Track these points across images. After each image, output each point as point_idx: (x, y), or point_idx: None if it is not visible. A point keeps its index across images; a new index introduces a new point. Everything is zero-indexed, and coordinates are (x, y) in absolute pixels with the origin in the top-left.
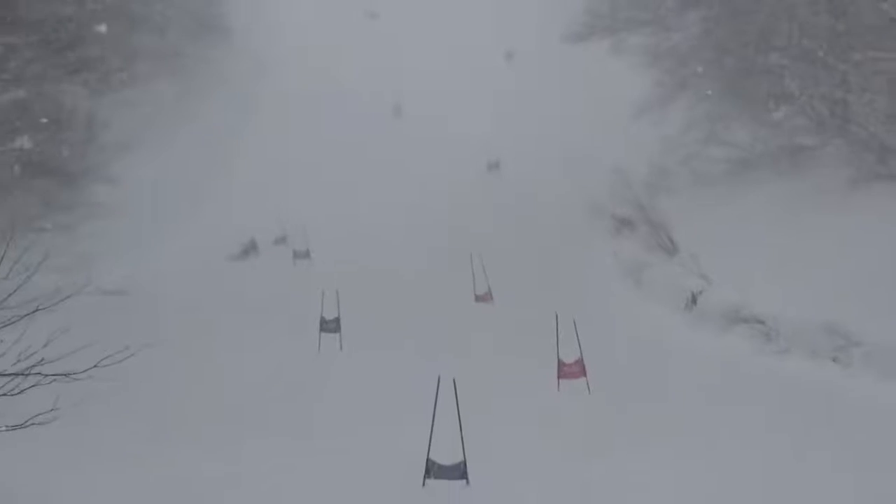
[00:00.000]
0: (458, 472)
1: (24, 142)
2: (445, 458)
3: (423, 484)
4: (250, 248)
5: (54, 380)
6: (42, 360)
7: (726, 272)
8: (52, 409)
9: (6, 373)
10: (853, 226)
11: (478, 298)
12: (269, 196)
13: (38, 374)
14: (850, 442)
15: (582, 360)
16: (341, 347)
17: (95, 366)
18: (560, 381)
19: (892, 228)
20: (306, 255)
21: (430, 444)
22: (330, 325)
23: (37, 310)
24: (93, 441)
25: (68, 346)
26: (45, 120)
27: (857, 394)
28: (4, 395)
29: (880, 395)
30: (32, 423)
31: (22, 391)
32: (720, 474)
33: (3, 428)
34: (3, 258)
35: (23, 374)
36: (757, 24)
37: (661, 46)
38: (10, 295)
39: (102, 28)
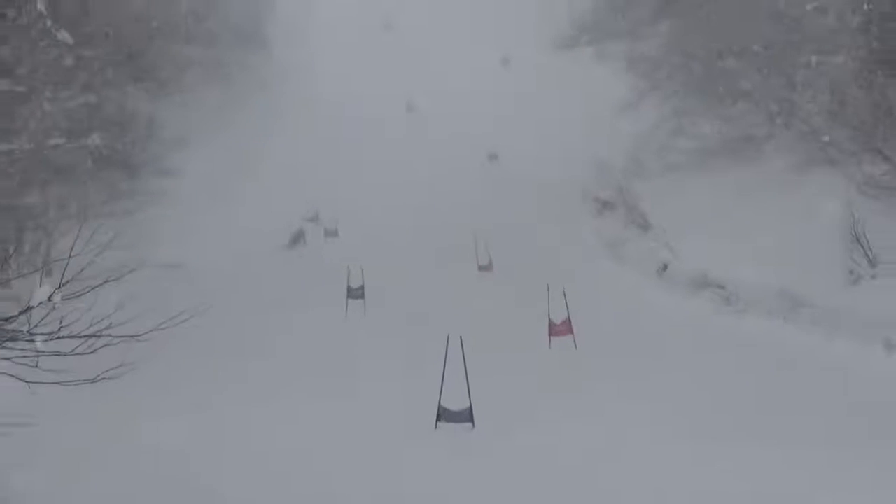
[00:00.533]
0: (465, 416)
1: (95, 139)
2: (454, 404)
3: (436, 426)
4: (299, 237)
5: (122, 341)
6: (111, 324)
7: (692, 245)
8: (119, 366)
9: (81, 335)
10: (798, 204)
11: (481, 268)
12: (300, 181)
13: (109, 335)
14: (797, 387)
15: (569, 320)
16: (365, 312)
17: (156, 328)
18: (551, 338)
19: (831, 206)
20: (335, 232)
21: (441, 393)
22: (355, 293)
23: (106, 281)
24: (158, 392)
25: (133, 311)
26: (112, 121)
27: (804, 348)
28: (79, 353)
29: (823, 349)
30: (103, 378)
31: (94, 350)
32: (687, 411)
33: (81, 381)
34: (77, 237)
35: (95, 336)
36: (718, 33)
37: (636, 53)
38: (83, 269)
39: (160, 42)
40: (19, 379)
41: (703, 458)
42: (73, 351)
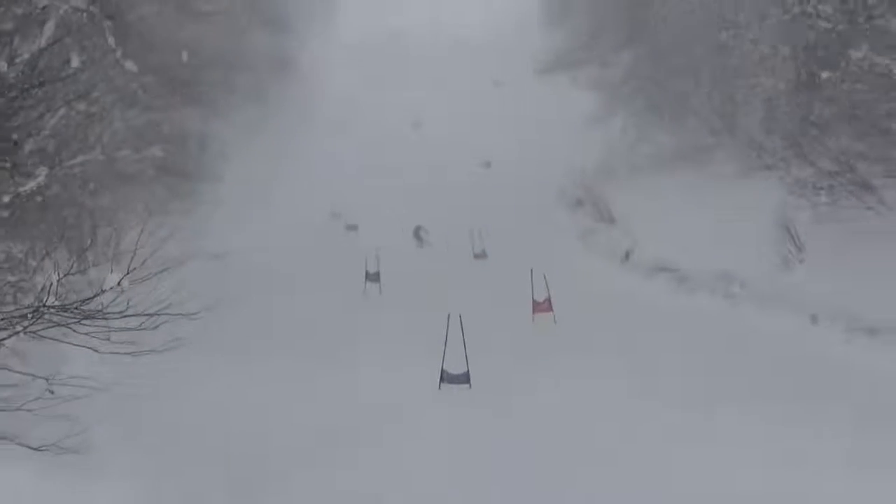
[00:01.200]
0: (464, 378)
1: (156, 151)
2: (455, 368)
3: (439, 387)
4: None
5: (178, 317)
6: (169, 304)
7: (651, 235)
8: (175, 339)
9: (144, 313)
10: (740, 201)
11: (475, 256)
12: (324, 185)
13: (167, 314)
14: (740, 353)
15: (550, 299)
16: (381, 292)
17: (206, 308)
18: (534, 314)
19: (766, 204)
20: (355, 227)
21: (443, 360)
22: (372, 276)
23: (165, 269)
24: (208, 360)
25: (187, 294)
26: (169, 137)
27: (744, 321)
28: (143, 329)
29: (760, 322)
30: (164, 350)
31: (156, 326)
32: (651, 372)
33: (146, 351)
34: (141, 233)
35: (156, 315)
36: (671, 60)
37: (603, 77)
38: (146, 259)
39: (209, 71)
40: (95, 350)
41: (663, 411)
42: (139, 326)
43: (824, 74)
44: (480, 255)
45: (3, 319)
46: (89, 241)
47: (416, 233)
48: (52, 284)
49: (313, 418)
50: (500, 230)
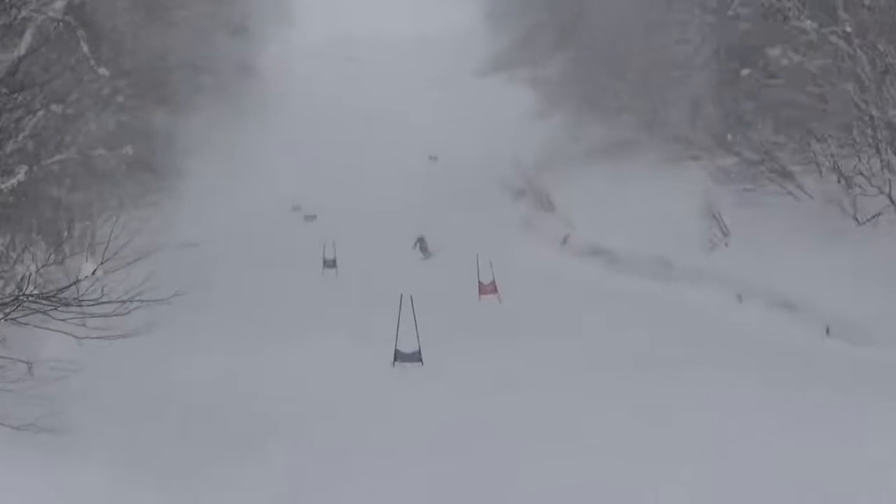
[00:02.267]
0: (416, 356)
1: (128, 150)
2: (407, 347)
3: (393, 364)
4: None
5: (149, 303)
6: (141, 291)
7: (586, 221)
8: (148, 324)
9: (118, 300)
10: (669, 189)
11: (426, 256)
12: (285, 179)
13: (139, 300)
14: (667, 325)
15: (494, 282)
16: (337, 276)
17: (175, 294)
18: (480, 296)
19: (693, 191)
20: (313, 217)
21: (396, 339)
22: (329, 263)
23: (137, 259)
24: (178, 342)
25: (158, 282)
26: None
27: (673, 299)
28: (119, 314)
29: (688, 300)
30: (136, 334)
31: (129, 312)
32: (587, 347)
33: (120, 335)
34: (115, 225)
35: (129, 301)
36: (602, 60)
37: (539, 76)
38: (119, 250)
39: (176, 74)
40: (72, 335)
41: (605, 379)
42: (113, 312)
43: (745, 72)
44: (425, 252)
45: None
46: (66, 234)
47: (421, 245)
48: (31, 274)
49: (278, 393)
50: (447, 219)
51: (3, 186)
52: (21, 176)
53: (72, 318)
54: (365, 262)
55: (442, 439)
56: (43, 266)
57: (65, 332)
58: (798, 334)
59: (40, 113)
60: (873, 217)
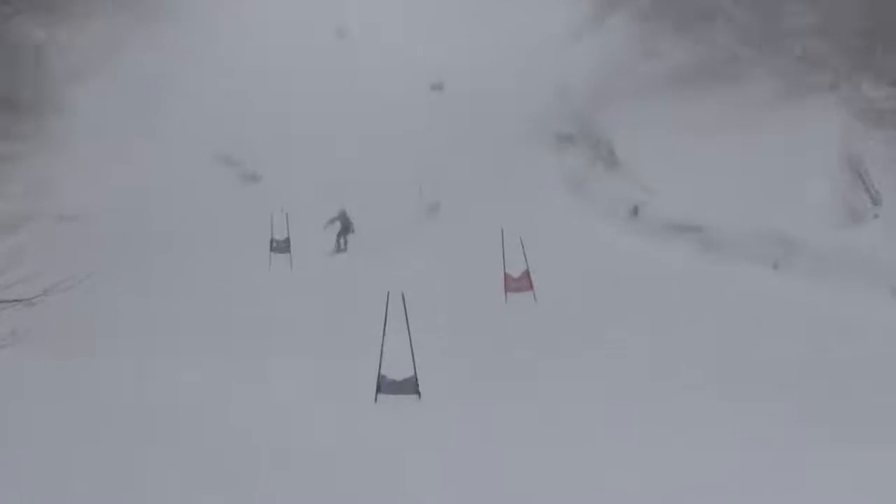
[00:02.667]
0: (409, 386)
1: None
2: (396, 373)
3: (375, 399)
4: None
5: (11, 306)
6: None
7: (668, 183)
8: (12, 332)
9: None
10: (789, 134)
11: (427, 209)
12: (218, 120)
13: None
14: (793, 345)
15: (528, 272)
16: (292, 267)
17: (49, 291)
18: (507, 293)
19: (824, 137)
20: (257, 178)
21: (381, 361)
22: (280, 246)
23: None
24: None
25: (24, 271)
26: None
27: (799, 299)
28: None
29: (821, 299)
30: None
31: None
32: (662, 380)
33: None
34: None
35: None
36: None
37: None
38: None
39: None
40: None
41: (694, 443)
42: None
43: None
44: (432, 209)
45: None
46: None
47: (340, 225)
48: None
49: (197, 449)
50: (458, 177)
51: None
52: None
53: None
54: (332, 243)
55: None
56: None
57: None
58: None
59: None
60: None
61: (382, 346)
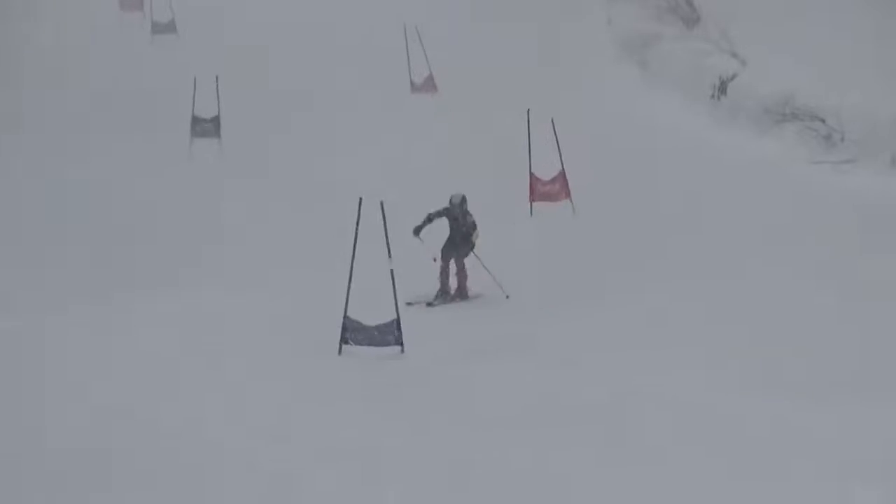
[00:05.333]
0: (389, 334)
1: None
2: (370, 316)
3: (340, 351)
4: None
5: None
6: None
7: (769, 52)
8: None
9: None
10: None
11: (415, 89)
12: None
13: None
14: None
15: (564, 175)
16: (222, 154)
17: None
18: (533, 203)
19: None
20: (169, 26)
21: (347, 299)
22: (205, 127)
23: None
24: None
25: None
26: None
27: None
28: None
29: None
30: None
31: None
32: (766, 344)
33: None
34: None
35: None
36: None
37: None
38: None
39: None
40: None
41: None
42: None
43: None
44: (424, 87)
45: None
46: None
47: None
48: None
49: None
50: (462, 36)
51: None
52: None
53: None
54: (281, 123)
55: None
56: None
57: None
58: None
59: None
60: None
61: (351, 277)
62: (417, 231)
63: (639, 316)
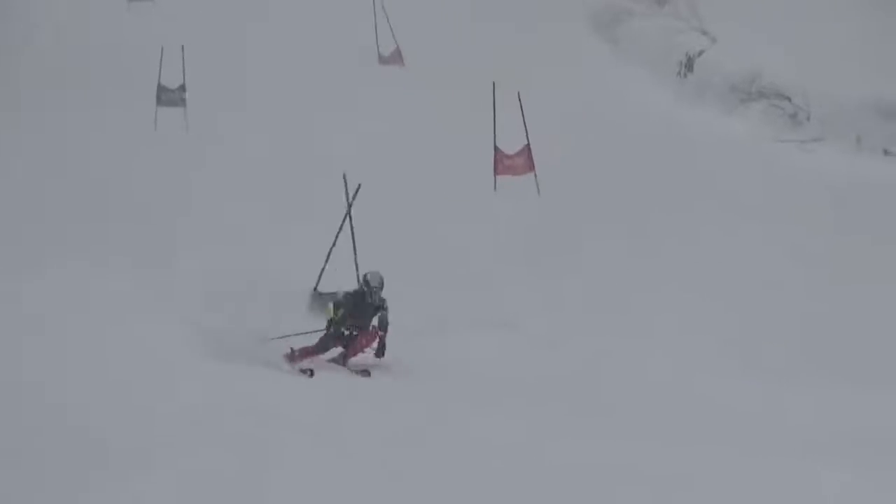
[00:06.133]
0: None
1: None
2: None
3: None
4: None
5: None
6: None
7: (737, 30)
8: None
9: None
10: None
11: (383, 60)
12: None
13: None
14: None
15: (529, 149)
16: (187, 127)
17: None
18: (497, 176)
19: None
20: None
21: (320, 277)
22: (171, 96)
23: None
24: None
25: None
26: None
27: None
28: None
29: None
30: None
31: None
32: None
33: None
34: None
35: None
36: None
37: None
38: None
39: None
40: None
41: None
42: None
43: None
44: (391, 59)
45: None
46: None
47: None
48: None
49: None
50: (428, 9)
51: None
52: None
53: None
54: (247, 95)
55: None
56: None
57: None
58: None
59: None
60: None
61: (327, 261)
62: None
63: (605, 292)
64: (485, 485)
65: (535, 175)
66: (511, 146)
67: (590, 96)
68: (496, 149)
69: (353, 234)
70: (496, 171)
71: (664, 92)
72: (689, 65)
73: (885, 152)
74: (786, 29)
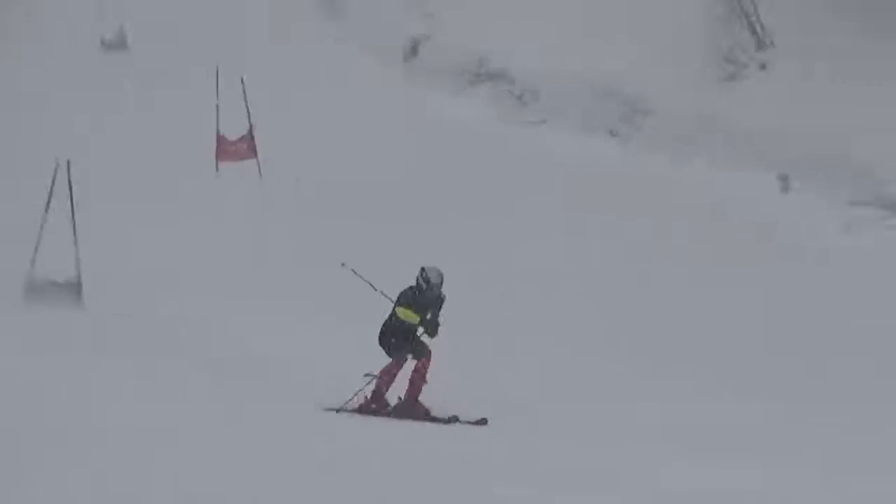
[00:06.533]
0: (72, 292)
1: None
2: (57, 272)
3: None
4: None
5: None
6: None
7: (461, 14)
8: None
9: None
10: None
11: (105, 45)
12: None
13: None
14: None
15: (252, 134)
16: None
17: None
18: (219, 162)
19: None
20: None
21: (34, 259)
22: (111, 41)
23: None
24: None
25: None
26: None
27: (646, 173)
28: None
29: (677, 178)
30: None
31: None
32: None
33: None
34: None
35: None
36: None
37: None
38: None
39: None
40: None
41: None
42: None
43: None
44: (116, 44)
45: None
46: None
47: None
48: None
49: None
50: None
51: None
52: None
53: None
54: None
55: None
56: None
57: None
58: None
59: None
60: None
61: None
62: None
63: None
64: None
65: (258, 160)
66: (235, 132)
67: (316, 80)
68: (218, 134)
69: (73, 215)
70: (219, 156)
71: (391, 75)
72: (413, 49)
73: (611, 133)
74: (512, 12)
